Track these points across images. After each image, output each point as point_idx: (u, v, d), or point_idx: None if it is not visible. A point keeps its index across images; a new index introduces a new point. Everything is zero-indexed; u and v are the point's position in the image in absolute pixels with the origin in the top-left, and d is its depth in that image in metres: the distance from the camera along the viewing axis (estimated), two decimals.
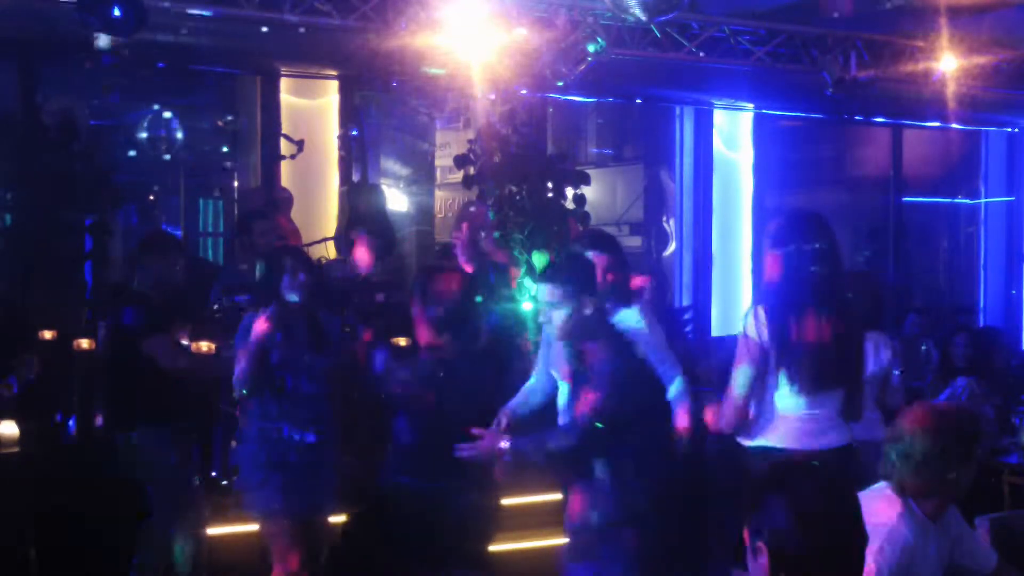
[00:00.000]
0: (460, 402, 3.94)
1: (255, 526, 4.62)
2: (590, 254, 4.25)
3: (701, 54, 7.93)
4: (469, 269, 6.11)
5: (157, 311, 5.03)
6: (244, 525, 4.90)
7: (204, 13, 6.40)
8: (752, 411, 3.89)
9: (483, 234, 6.43)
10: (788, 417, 3.85)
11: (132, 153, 8.90)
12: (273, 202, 7.98)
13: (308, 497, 4.50)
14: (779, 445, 3.83)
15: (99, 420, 6.04)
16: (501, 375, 4.65)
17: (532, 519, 5.48)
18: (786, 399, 3.84)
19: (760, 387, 3.86)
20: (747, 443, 3.95)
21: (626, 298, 4.44)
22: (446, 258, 7.09)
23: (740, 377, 3.86)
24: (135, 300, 5.10)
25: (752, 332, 3.82)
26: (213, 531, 5.27)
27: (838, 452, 3.82)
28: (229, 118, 8.13)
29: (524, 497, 5.55)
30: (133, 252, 5.58)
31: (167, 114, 8.96)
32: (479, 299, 4.21)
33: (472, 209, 6.86)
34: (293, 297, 4.51)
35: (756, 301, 3.95)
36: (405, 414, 4.05)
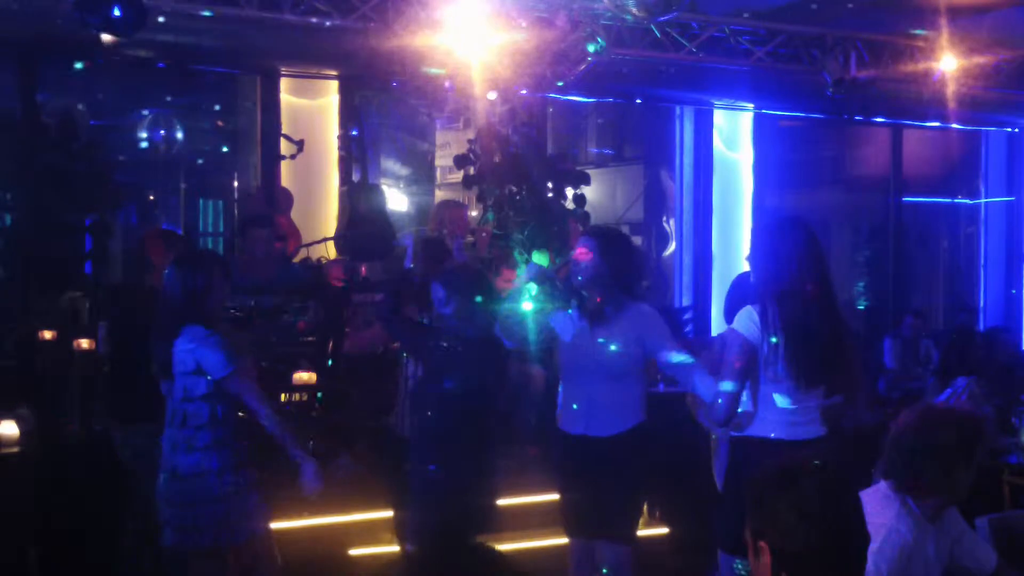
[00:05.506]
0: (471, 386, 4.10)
1: None
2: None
3: (701, 54, 7.93)
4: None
5: None
6: None
7: (204, 13, 6.41)
8: (743, 405, 3.98)
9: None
10: (778, 410, 3.93)
11: (132, 153, 8.90)
12: (273, 201, 7.97)
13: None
14: (769, 435, 3.92)
15: (99, 420, 6.03)
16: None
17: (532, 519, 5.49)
18: (778, 394, 3.92)
19: (752, 383, 3.94)
20: (737, 435, 4.03)
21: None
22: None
23: (736, 373, 3.92)
24: (148, 296, 5.08)
25: (747, 330, 3.89)
26: None
27: (817, 442, 3.94)
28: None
29: (524, 497, 5.55)
30: (138, 250, 5.58)
31: (167, 114, 8.95)
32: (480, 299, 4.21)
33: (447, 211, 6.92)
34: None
35: (751, 301, 3.99)
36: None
